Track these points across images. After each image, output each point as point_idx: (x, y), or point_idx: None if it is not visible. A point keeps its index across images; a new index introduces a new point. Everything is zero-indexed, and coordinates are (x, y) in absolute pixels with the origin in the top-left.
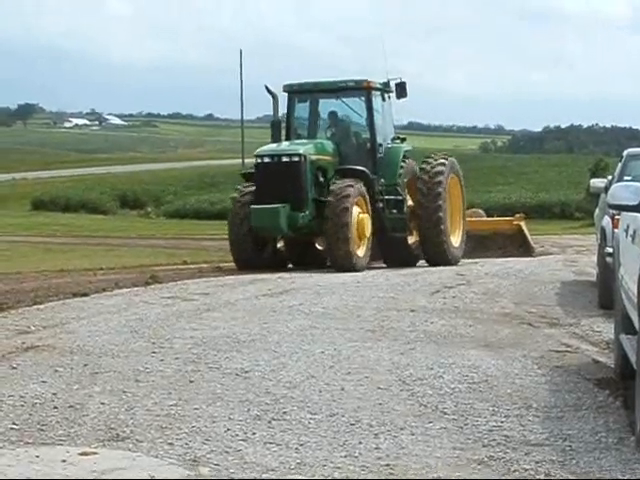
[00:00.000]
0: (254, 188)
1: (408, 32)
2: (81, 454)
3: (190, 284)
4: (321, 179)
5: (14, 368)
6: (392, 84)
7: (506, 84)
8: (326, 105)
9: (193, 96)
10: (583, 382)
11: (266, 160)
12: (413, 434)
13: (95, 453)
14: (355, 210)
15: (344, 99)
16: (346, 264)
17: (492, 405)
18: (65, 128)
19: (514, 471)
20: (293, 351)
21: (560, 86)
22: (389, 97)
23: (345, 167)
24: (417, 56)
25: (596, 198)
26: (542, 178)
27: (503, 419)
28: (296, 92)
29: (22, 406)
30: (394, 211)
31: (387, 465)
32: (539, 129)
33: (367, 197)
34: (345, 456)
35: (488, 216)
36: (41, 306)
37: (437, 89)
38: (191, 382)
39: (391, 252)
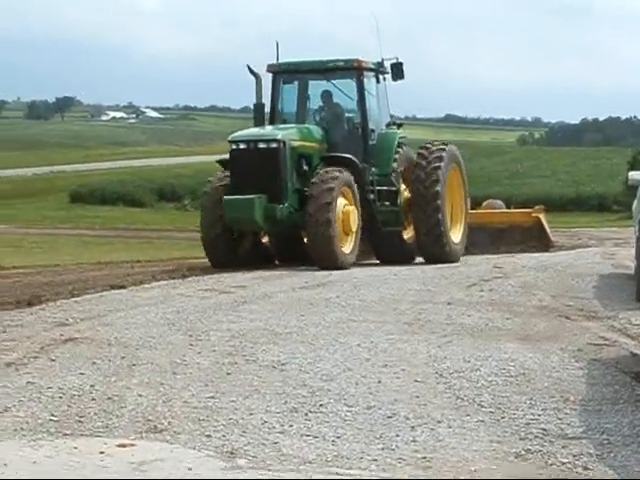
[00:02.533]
0: (229, 178)
1: (445, 25)
2: (119, 446)
3: (227, 277)
4: (305, 168)
5: (52, 360)
6: (387, 65)
7: (543, 76)
8: (314, 87)
9: (229, 89)
10: (621, 375)
11: (241, 146)
12: (450, 427)
13: (133, 445)
14: (340, 202)
15: (333, 80)
16: (330, 263)
17: (529, 398)
18: (102, 121)
19: (551, 464)
20: (330, 344)
21: (597, 78)
22: (384, 79)
23: (331, 155)
24: (453, 49)
25: (634, 190)
26: (579, 170)
27: (540, 412)
28: (281, 72)
29: (60, 398)
30: (387, 203)
31: (424, 458)
32: (577, 121)
33: (355, 187)
34: (382, 449)
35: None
36: (79, 298)
37: (474, 82)
38: (228, 374)
39: (384, 248)
